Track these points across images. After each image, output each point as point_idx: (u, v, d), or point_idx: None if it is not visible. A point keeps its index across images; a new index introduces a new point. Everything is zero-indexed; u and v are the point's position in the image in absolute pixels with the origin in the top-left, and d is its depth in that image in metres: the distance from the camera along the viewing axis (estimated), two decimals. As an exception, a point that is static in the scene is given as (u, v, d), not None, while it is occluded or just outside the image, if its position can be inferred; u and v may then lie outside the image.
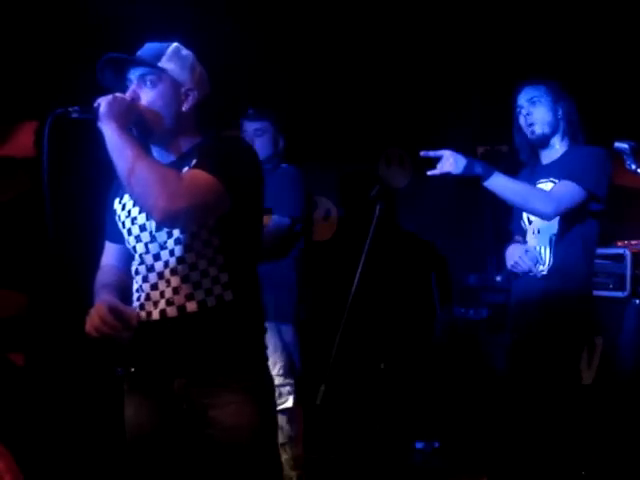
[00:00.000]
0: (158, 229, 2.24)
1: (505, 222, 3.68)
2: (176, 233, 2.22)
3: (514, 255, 3.37)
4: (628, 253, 4.32)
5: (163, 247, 2.24)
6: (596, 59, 4.86)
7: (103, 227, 2.48)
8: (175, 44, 2.35)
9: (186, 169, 2.20)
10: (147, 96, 2.27)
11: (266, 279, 3.50)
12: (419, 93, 5.20)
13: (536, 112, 3.37)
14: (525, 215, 3.42)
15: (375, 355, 5.10)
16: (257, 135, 3.82)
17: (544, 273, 3.30)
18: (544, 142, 3.41)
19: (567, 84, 3.47)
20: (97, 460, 3.94)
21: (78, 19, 4.10)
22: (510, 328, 3.42)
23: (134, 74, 2.30)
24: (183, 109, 2.31)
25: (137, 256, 2.31)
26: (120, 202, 2.39)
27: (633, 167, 3.04)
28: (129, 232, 2.33)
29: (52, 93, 4.16)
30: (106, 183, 2.53)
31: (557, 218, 3.27)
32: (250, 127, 3.87)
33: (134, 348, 2.28)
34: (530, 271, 3.30)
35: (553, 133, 3.40)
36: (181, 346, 2.22)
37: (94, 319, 2.15)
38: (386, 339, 5.23)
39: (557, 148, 3.41)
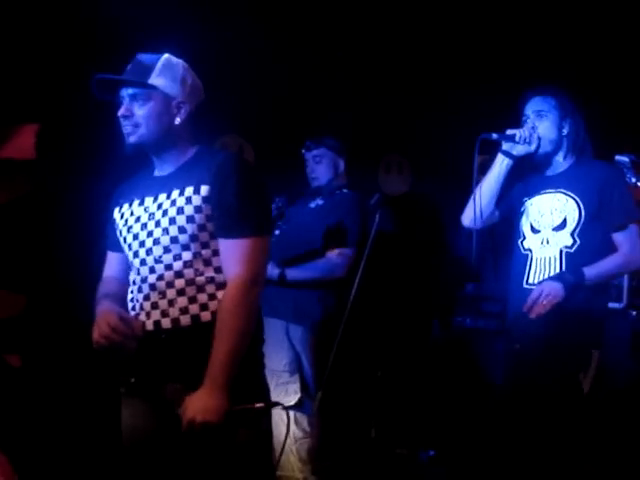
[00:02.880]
0: (155, 243, 2.28)
1: (502, 227, 3.64)
2: (175, 250, 2.26)
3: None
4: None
5: (158, 261, 2.27)
6: (597, 66, 4.88)
7: (105, 236, 2.51)
8: (165, 56, 2.38)
9: (191, 190, 2.25)
10: (139, 113, 2.32)
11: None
12: (419, 102, 5.20)
13: (541, 127, 3.34)
14: (528, 222, 3.38)
15: (372, 363, 5.10)
16: (316, 162, 4.03)
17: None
18: (545, 160, 3.39)
19: (570, 91, 3.45)
20: (93, 463, 3.93)
21: (79, 21, 4.10)
22: (510, 338, 3.39)
23: (126, 92, 2.34)
24: (176, 122, 2.35)
25: (134, 268, 2.35)
26: (119, 211, 2.42)
27: (633, 180, 3.07)
28: (126, 242, 2.37)
29: (53, 95, 4.16)
30: (107, 188, 2.54)
31: (570, 231, 3.25)
32: (309, 156, 4.07)
33: (131, 357, 2.30)
34: None
35: (556, 151, 3.37)
36: (173, 356, 2.24)
37: (103, 327, 2.19)
38: (383, 347, 5.22)
39: (561, 162, 3.38)
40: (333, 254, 3.67)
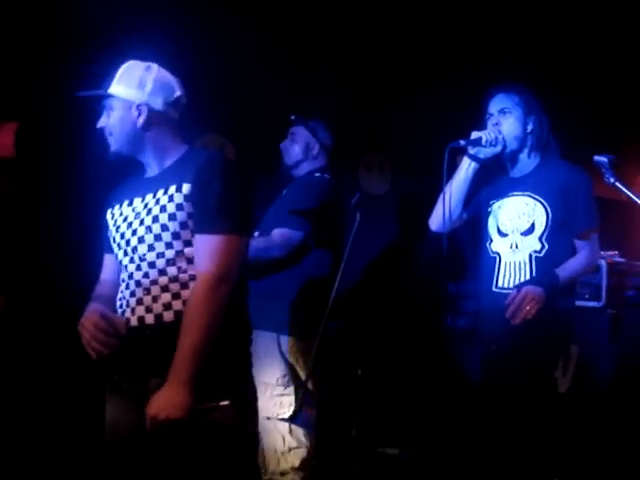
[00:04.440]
0: (140, 241, 2.31)
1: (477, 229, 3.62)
2: (158, 248, 2.29)
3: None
4: (604, 264, 4.36)
5: (143, 259, 2.30)
6: (576, 67, 4.91)
7: (102, 239, 2.53)
8: (127, 63, 2.45)
9: (173, 188, 2.28)
10: (109, 122, 2.42)
11: (266, 291, 3.54)
12: (400, 100, 5.22)
13: (505, 125, 3.33)
14: (495, 225, 3.38)
15: (352, 361, 5.11)
16: (290, 139, 3.96)
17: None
18: (510, 158, 3.38)
19: (546, 92, 3.46)
20: (76, 460, 3.92)
21: (58, 20, 4.09)
22: (484, 339, 3.40)
23: (101, 104, 2.46)
24: (139, 125, 2.40)
25: (122, 265, 2.38)
26: (111, 213, 2.46)
27: (612, 180, 3.08)
28: (115, 242, 2.41)
29: (32, 94, 4.14)
30: (89, 188, 2.55)
31: (538, 235, 3.27)
32: (289, 131, 3.99)
33: (115, 353, 2.30)
34: None
35: (521, 148, 3.36)
36: (157, 351, 2.25)
37: (87, 326, 2.23)
38: (363, 345, 5.24)
39: (527, 162, 3.37)
40: (273, 233, 3.60)
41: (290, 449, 3.53)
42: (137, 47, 2.49)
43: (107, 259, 2.53)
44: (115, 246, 2.41)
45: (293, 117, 4.00)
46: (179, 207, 2.28)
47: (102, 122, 2.44)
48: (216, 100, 4.64)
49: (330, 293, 3.47)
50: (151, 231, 2.29)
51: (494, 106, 3.38)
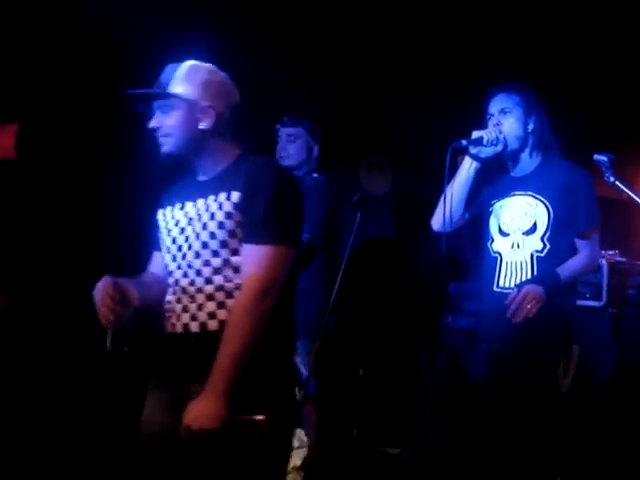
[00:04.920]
0: (189, 248, 2.29)
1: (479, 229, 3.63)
2: (205, 255, 2.27)
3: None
4: (605, 263, 4.36)
5: (190, 266, 2.29)
6: (578, 67, 4.91)
7: (152, 237, 2.50)
8: (188, 63, 2.40)
9: (223, 196, 2.26)
10: (166, 123, 2.35)
11: None
12: (401, 100, 5.22)
13: (506, 124, 3.33)
14: (497, 224, 3.38)
15: (354, 361, 5.11)
16: (290, 141, 3.96)
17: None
18: (512, 157, 3.38)
19: (546, 92, 3.46)
20: (72, 461, 3.93)
21: (63, 20, 4.09)
22: (487, 339, 3.40)
23: (154, 104, 2.38)
24: (202, 127, 2.35)
25: (170, 270, 2.37)
26: (162, 214, 2.43)
27: (611, 179, 3.08)
28: (165, 245, 2.40)
29: (33, 96, 4.15)
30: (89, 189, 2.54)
31: (540, 235, 3.27)
32: (283, 133, 4.02)
33: (157, 356, 2.34)
34: None
35: (522, 148, 3.35)
36: (200, 359, 2.23)
37: (100, 293, 2.25)
38: (365, 345, 5.24)
39: (528, 161, 3.37)
40: None
41: (292, 448, 3.54)
42: (136, 47, 2.48)
43: (156, 256, 2.50)
44: (164, 249, 2.39)
45: (286, 119, 4.01)
46: (228, 215, 2.25)
47: (156, 122, 2.35)
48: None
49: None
50: (199, 238, 2.27)
51: (495, 106, 3.38)
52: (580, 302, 4.18)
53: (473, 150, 3.36)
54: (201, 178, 2.41)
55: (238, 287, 2.24)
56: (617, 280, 4.43)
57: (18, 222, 4.12)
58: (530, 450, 3.21)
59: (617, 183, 3.05)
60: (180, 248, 2.33)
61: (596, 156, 3.08)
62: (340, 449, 4.75)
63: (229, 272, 2.25)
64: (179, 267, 2.32)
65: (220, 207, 2.26)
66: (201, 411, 2.11)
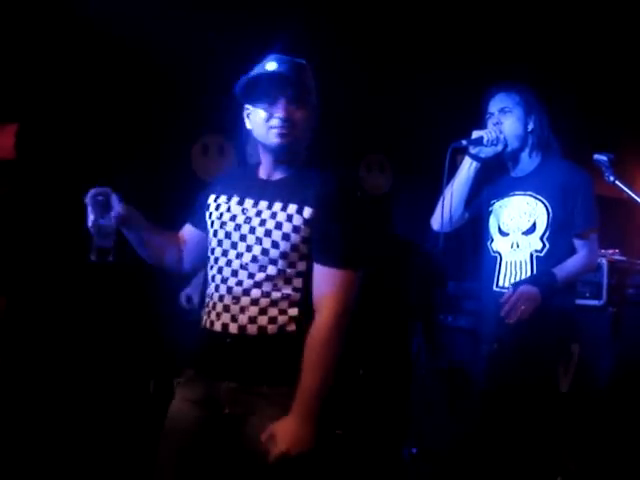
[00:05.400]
0: (247, 249, 2.29)
1: (479, 228, 3.62)
2: (262, 261, 2.26)
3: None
4: (605, 262, 4.36)
5: (244, 267, 2.29)
6: (577, 66, 4.91)
7: (191, 211, 2.53)
8: (301, 61, 2.43)
9: (294, 209, 2.25)
10: (295, 117, 2.31)
11: None
12: (401, 101, 5.22)
13: (506, 124, 3.33)
14: (496, 224, 3.38)
15: (354, 361, 5.11)
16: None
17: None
18: (512, 157, 3.38)
19: (546, 91, 3.46)
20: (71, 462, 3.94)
21: (63, 23, 4.09)
22: (486, 339, 3.40)
23: (288, 93, 2.31)
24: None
25: (216, 265, 2.35)
26: (215, 200, 2.41)
27: (611, 179, 3.08)
28: (216, 236, 2.37)
29: (33, 96, 4.15)
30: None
31: (539, 235, 3.28)
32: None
33: (194, 350, 2.37)
34: None
35: (522, 148, 3.36)
36: (235, 360, 2.27)
37: (87, 196, 2.33)
38: (365, 345, 5.23)
39: (528, 161, 3.37)
40: None
41: None
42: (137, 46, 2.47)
43: (188, 229, 2.54)
44: (214, 240, 2.36)
45: None
46: (296, 229, 2.24)
47: (288, 113, 2.29)
48: (216, 100, 4.63)
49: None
50: (261, 243, 2.26)
51: (494, 105, 3.38)
52: (580, 301, 4.18)
53: (473, 150, 3.36)
54: (263, 176, 2.39)
55: (285, 297, 2.26)
56: (617, 279, 4.43)
57: (18, 222, 4.12)
58: (530, 450, 3.21)
59: (617, 182, 3.05)
60: (235, 245, 2.31)
61: (596, 155, 3.09)
62: (339, 449, 4.75)
63: (280, 282, 2.26)
64: (229, 264, 2.31)
65: (289, 219, 2.25)
66: (295, 436, 2.15)
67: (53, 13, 4.06)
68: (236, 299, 2.27)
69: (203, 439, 2.29)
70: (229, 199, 2.37)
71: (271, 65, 2.34)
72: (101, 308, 4.08)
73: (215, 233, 2.36)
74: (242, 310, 2.26)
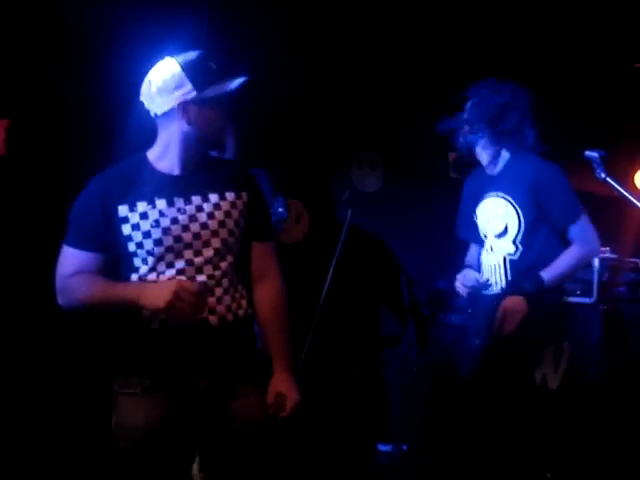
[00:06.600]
0: (205, 245, 2.35)
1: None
2: (223, 251, 2.38)
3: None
4: (596, 260, 4.37)
5: (208, 262, 2.35)
6: (572, 64, 4.92)
7: (83, 236, 2.37)
8: None
9: (233, 195, 2.40)
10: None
11: None
12: (392, 98, 5.22)
13: (474, 111, 3.35)
14: (482, 228, 3.41)
15: (345, 358, 5.11)
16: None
17: (498, 292, 3.30)
18: (470, 150, 3.40)
19: (539, 89, 3.45)
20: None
21: (54, 17, 4.07)
22: (470, 334, 3.42)
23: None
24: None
25: (172, 269, 2.33)
26: (132, 210, 2.32)
27: (603, 176, 3.08)
28: (162, 244, 2.32)
29: (24, 92, 4.13)
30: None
31: (511, 238, 3.27)
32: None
33: (166, 350, 2.33)
34: (474, 287, 3.35)
35: (492, 144, 3.36)
36: (215, 351, 2.34)
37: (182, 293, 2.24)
38: (356, 342, 5.24)
39: (498, 158, 3.38)
40: None
41: None
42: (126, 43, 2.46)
43: (88, 256, 2.35)
44: (158, 248, 2.31)
45: None
46: (242, 214, 2.41)
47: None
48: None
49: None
50: (218, 235, 2.35)
51: (475, 94, 3.38)
52: (571, 299, 4.20)
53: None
54: (166, 172, 2.40)
55: (240, 280, 2.44)
56: (608, 277, 4.45)
57: (7, 219, 4.10)
58: (519, 446, 3.22)
59: (608, 179, 3.05)
60: (190, 245, 2.37)
61: (587, 152, 3.09)
62: (332, 446, 4.75)
63: (236, 266, 2.41)
64: (190, 263, 2.35)
65: (233, 206, 2.40)
66: (296, 385, 2.44)
67: (44, 9, 4.04)
68: (210, 292, 2.32)
69: (184, 438, 2.32)
70: (152, 204, 2.32)
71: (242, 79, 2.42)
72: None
73: (158, 242, 2.31)
74: (219, 301, 2.34)
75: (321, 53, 4.88)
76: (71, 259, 2.36)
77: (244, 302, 2.42)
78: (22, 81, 4.08)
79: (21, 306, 4.01)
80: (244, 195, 2.41)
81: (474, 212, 3.44)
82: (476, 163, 3.47)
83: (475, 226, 3.45)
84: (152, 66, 2.38)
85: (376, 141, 5.63)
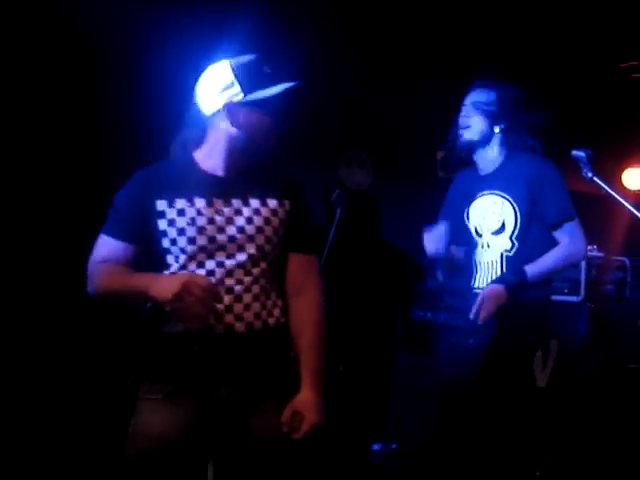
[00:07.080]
0: (240, 249, 2.30)
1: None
2: (257, 257, 2.32)
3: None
4: (582, 259, 4.39)
5: (240, 266, 2.30)
6: (567, 64, 4.93)
7: (117, 223, 2.36)
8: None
9: (275, 203, 2.36)
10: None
11: None
12: (380, 96, 5.22)
13: (475, 118, 3.35)
14: (473, 227, 3.41)
15: (334, 358, 5.11)
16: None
17: None
18: (469, 150, 3.40)
19: (531, 88, 3.46)
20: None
21: (51, 19, 4.06)
22: (464, 334, 3.42)
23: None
24: None
25: (202, 269, 2.30)
26: (171, 206, 2.31)
27: (589, 175, 3.09)
28: (195, 243, 2.29)
29: (17, 92, 4.12)
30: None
31: (508, 234, 3.30)
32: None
33: (190, 356, 2.28)
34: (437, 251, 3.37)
35: (483, 144, 3.36)
36: (240, 358, 2.28)
37: (194, 288, 2.15)
38: (345, 342, 5.24)
39: (494, 158, 3.38)
40: None
41: None
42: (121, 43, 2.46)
43: (119, 246, 2.34)
44: (190, 247, 2.28)
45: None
46: (282, 222, 2.36)
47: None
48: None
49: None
50: (254, 241, 2.31)
51: (469, 98, 3.39)
52: (558, 297, 4.22)
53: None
54: (210, 172, 2.38)
55: (274, 288, 2.37)
56: (595, 275, 4.47)
57: (43, 214, 4.09)
58: (508, 445, 3.23)
59: (595, 179, 3.07)
60: (223, 247, 2.31)
61: (574, 152, 3.10)
62: (323, 445, 4.75)
63: (270, 274, 2.36)
64: (221, 265, 2.30)
65: (274, 213, 2.36)
66: (320, 406, 2.32)
67: (42, 9, 4.03)
68: (238, 298, 2.28)
69: (201, 449, 2.27)
70: (191, 202, 2.31)
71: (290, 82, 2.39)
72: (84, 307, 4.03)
73: (191, 240, 2.29)
74: (247, 308, 2.28)
75: (312, 51, 4.88)
76: (103, 246, 2.36)
77: (277, 311, 2.35)
78: (15, 82, 4.07)
79: (50, 308, 4.01)
80: (287, 203, 2.37)
81: (465, 211, 3.45)
82: (468, 163, 3.47)
83: (463, 227, 3.46)
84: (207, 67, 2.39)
85: (365, 140, 5.64)
